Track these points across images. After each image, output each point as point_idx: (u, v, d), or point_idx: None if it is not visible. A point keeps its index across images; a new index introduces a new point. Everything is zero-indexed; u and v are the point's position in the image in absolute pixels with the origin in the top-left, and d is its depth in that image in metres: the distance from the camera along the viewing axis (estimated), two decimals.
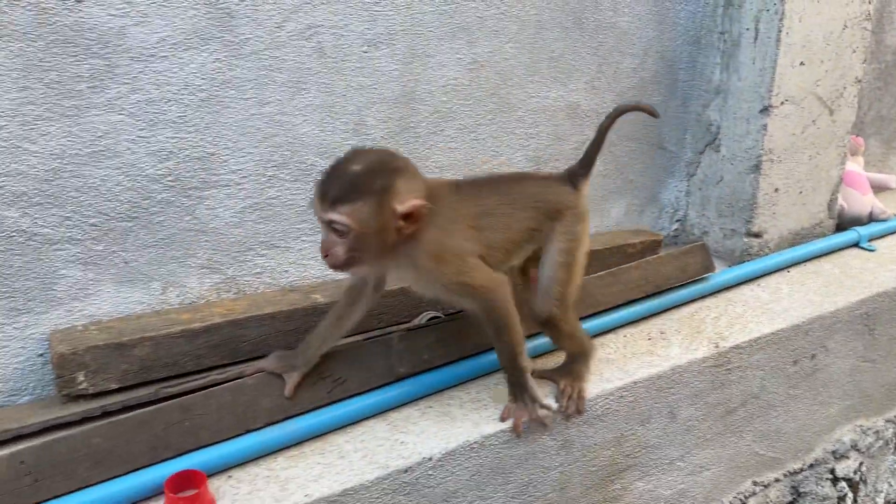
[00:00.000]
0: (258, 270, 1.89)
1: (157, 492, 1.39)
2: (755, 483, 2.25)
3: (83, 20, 1.52)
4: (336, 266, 1.48)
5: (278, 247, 1.90)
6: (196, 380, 1.69)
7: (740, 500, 2.23)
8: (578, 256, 1.70)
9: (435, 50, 1.98)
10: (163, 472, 1.40)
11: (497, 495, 1.68)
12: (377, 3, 1.86)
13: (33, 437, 1.51)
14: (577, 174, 1.76)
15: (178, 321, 1.72)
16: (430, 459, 1.56)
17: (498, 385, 1.77)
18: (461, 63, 2.04)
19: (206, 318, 1.75)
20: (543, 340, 1.86)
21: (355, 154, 1.48)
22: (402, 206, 1.44)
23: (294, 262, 1.94)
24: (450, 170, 2.11)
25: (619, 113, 1.80)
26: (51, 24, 1.49)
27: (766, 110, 2.37)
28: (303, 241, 1.93)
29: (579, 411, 1.72)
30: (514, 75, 2.15)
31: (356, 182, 1.42)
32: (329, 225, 1.44)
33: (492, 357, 1.82)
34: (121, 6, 1.55)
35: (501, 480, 1.68)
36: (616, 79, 2.37)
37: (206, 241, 1.79)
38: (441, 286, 1.55)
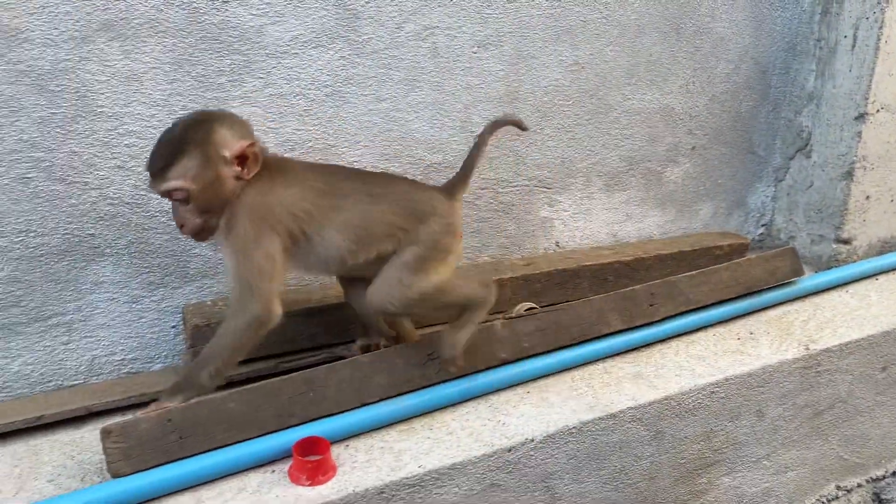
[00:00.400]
0: None
1: (284, 455, 1.50)
2: (838, 487, 2.27)
3: (228, 19, 1.65)
4: (195, 234, 1.46)
5: None
6: (310, 356, 1.81)
7: (822, 502, 2.25)
8: (431, 268, 1.57)
9: (539, 52, 2.06)
10: (289, 437, 1.51)
11: (591, 479, 1.76)
12: (488, 5, 1.95)
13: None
14: (455, 184, 1.68)
15: (297, 301, 1.84)
16: (532, 441, 1.64)
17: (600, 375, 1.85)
18: (563, 65, 2.12)
19: (322, 299, 1.86)
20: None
21: (172, 126, 1.43)
22: (229, 150, 1.41)
23: None
24: (547, 167, 2.19)
25: (495, 127, 1.72)
26: (200, 23, 1.62)
27: (861, 118, 2.38)
28: None
29: (459, 367, 1.65)
30: (612, 77, 2.21)
31: (176, 143, 1.39)
32: (170, 197, 1.42)
33: (589, 349, 1.90)
34: (261, 6, 1.67)
35: (595, 466, 1.75)
36: (710, 83, 2.41)
37: None
38: (231, 245, 1.46)
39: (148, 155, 1.42)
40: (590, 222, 2.34)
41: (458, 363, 1.64)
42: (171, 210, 1.48)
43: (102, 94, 1.57)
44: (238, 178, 1.44)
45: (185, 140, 1.39)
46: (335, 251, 1.53)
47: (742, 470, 2.03)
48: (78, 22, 1.50)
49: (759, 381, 1.95)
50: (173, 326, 1.78)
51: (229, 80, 1.69)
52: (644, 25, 2.21)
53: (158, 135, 1.43)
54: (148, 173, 1.42)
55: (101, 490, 1.35)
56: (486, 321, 1.86)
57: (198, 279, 1.79)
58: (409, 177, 1.97)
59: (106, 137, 1.59)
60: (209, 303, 1.80)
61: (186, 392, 1.48)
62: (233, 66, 1.68)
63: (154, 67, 1.60)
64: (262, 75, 1.72)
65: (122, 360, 1.75)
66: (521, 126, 1.74)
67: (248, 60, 1.69)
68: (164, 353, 1.79)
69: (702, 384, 1.86)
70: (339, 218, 1.51)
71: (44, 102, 1.52)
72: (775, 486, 2.12)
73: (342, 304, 1.84)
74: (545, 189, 2.21)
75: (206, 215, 1.44)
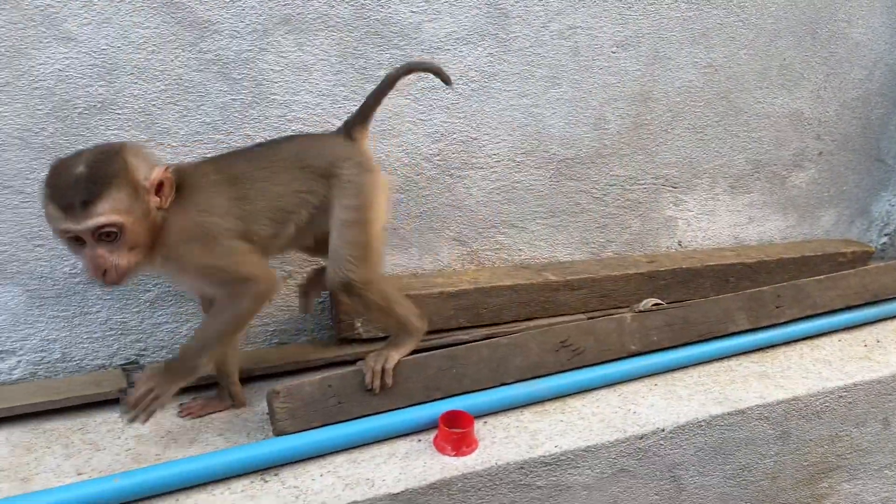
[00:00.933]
0: (497, 247, 2.09)
1: (429, 426, 1.60)
2: None
3: (390, 15, 1.75)
4: (121, 277, 1.31)
5: (517, 227, 2.08)
6: (445, 337, 1.90)
7: None
8: (370, 213, 1.50)
9: (675, 53, 2.10)
10: (433, 410, 1.61)
11: (715, 473, 1.79)
12: (629, 7, 2.00)
13: (318, 371, 1.77)
14: (354, 124, 1.58)
15: (434, 284, 1.94)
16: (663, 430, 1.69)
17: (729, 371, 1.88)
18: (697, 66, 2.15)
19: (457, 283, 1.96)
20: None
21: (67, 159, 1.28)
22: (149, 178, 1.31)
23: (528, 242, 2.12)
24: (675, 166, 2.23)
25: (409, 70, 1.61)
26: (365, 18, 1.73)
27: None
28: (538, 222, 2.10)
29: (383, 385, 1.58)
30: (744, 80, 2.23)
31: (95, 175, 1.24)
32: (95, 234, 1.25)
33: (716, 346, 1.93)
34: (420, 4, 1.77)
35: (721, 460, 1.78)
36: (842, 89, 2.39)
37: (460, 216, 2.00)
38: (194, 271, 1.39)
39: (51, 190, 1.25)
40: (713, 223, 2.36)
41: (386, 379, 1.58)
42: (80, 255, 1.30)
43: (276, 82, 1.70)
44: (158, 207, 1.34)
45: (104, 172, 1.25)
46: (264, 238, 1.47)
47: (863, 477, 2.02)
48: (261, 16, 1.64)
49: (888, 389, 1.94)
50: (321, 302, 1.90)
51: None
52: (780, 29, 2.22)
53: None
54: (56, 208, 1.24)
55: (270, 445, 1.47)
56: (615, 314, 1.92)
57: None
58: (543, 170, 2.06)
59: (276, 123, 1.72)
60: None
61: (180, 375, 1.43)
62: (392, 59, 1.79)
63: (322, 59, 1.72)
64: None
65: (274, 331, 1.88)
66: (442, 77, 1.61)
67: (406, 55, 1.80)
68: (311, 328, 1.92)
69: (830, 387, 1.87)
70: (250, 209, 1.43)
71: (226, 89, 1.66)
72: (895, 496, 2.10)
73: (477, 289, 1.93)
74: (671, 188, 2.25)
75: (132, 253, 1.30)
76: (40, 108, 1.52)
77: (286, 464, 1.49)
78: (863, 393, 1.91)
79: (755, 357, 1.98)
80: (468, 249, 2.05)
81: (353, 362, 1.79)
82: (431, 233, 1.98)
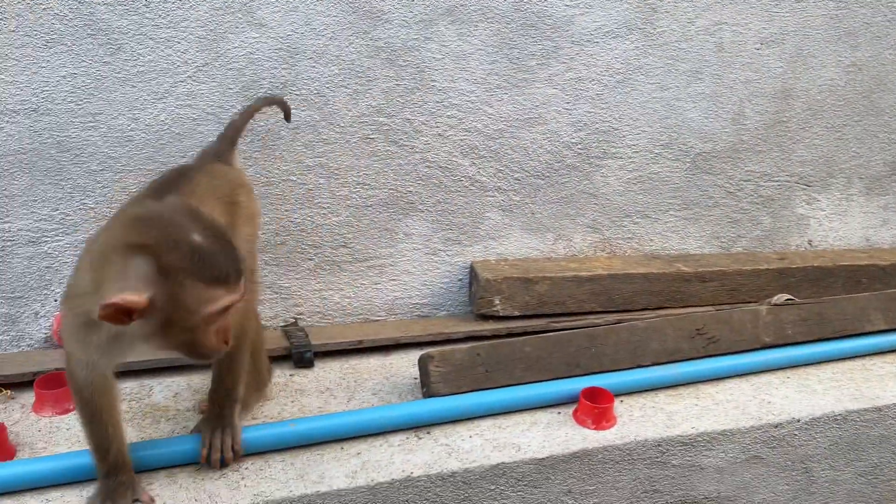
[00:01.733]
0: (629, 235, 2.14)
1: (569, 400, 1.67)
2: None
3: (545, 8, 1.84)
4: None
5: (650, 217, 2.14)
6: (577, 320, 1.98)
7: None
8: (257, 242, 1.54)
9: (819, 51, 2.11)
10: (573, 385, 1.69)
11: (847, 469, 1.80)
12: (776, 4, 2.02)
13: (457, 343, 1.88)
14: (224, 150, 1.52)
15: (568, 268, 2.01)
16: (798, 421, 1.71)
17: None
18: (840, 65, 2.15)
19: (590, 268, 2.02)
20: None
21: (182, 233, 1.08)
22: None
23: (660, 233, 2.17)
24: (810, 164, 2.23)
25: (265, 103, 1.63)
26: (522, 10, 1.83)
27: None
28: (671, 214, 2.15)
29: (225, 463, 1.41)
30: (888, 80, 2.21)
31: (223, 240, 1.12)
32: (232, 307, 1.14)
33: (851, 344, 1.94)
34: None
35: (853, 457, 1.79)
36: None
37: (595, 204, 2.07)
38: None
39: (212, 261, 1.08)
40: (845, 224, 2.35)
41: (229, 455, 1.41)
42: (214, 330, 1.14)
43: (436, 70, 1.81)
44: None
45: (224, 233, 1.14)
46: None
47: None
48: (428, 6, 1.75)
49: None
50: (460, 279, 2.01)
51: (538, 64, 1.88)
52: None
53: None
54: (217, 286, 1.08)
55: (426, 405, 1.59)
56: (750, 307, 1.94)
57: (485, 240, 2.00)
58: (679, 163, 2.10)
59: (434, 108, 1.83)
60: (493, 261, 2.02)
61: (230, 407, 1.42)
62: (543, 50, 1.87)
63: (480, 49, 1.83)
64: (566, 60, 1.90)
65: (417, 303, 2.00)
66: (286, 113, 1.64)
67: (557, 46, 1.88)
68: (450, 303, 2.03)
69: None
70: None
71: (391, 75, 1.78)
72: None
73: (610, 275, 1.99)
74: (805, 187, 2.25)
75: None
76: (231, 87, 1.68)
77: (437, 424, 1.60)
78: None
79: (890, 358, 1.97)
80: (601, 237, 2.12)
81: (490, 337, 1.90)
82: (567, 219, 2.06)
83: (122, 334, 1.12)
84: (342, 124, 1.78)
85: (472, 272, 1.98)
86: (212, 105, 1.68)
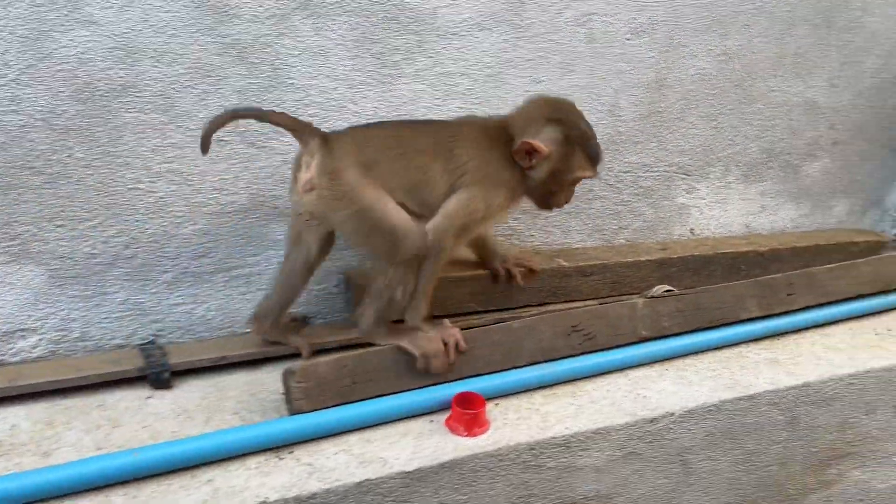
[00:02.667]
0: (509, 231, 2.10)
1: (442, 407, 1.62)
2: None
3: (406, 1, 1.77)
4: None
5: (529, 212, 2.09)
6: (459, 321, 1.92)
7: None
8: None
9: (690, 40, 2.11)
10: (446, 391, 1.63)
11: (725, 458, 1.81)
12: None
13: (331, 353, 1.79)
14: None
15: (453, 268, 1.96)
16: (673, 414, 1.70)
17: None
18: (711, 54, 2.15)
19: (466, 268, 1.97)
20: None
21: (581, 118, 1.68)
22: None
23: (540, 228, 2.14)
24: (688, 154, 2.24)
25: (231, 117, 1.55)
26: (382, 3, 1.75)
27: None
28: None
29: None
30: (758, 69, 2.23)
31: None
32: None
33: (727, 332, 1.95)
34: None
35: (730, 445, 1.80)
36: (857, 78, 2.39)
37: None
38: None
39: None
40: (725, 211, 2.37)
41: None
42: (569, 192, 1.73)
43: (294, 67, 1.72)
44: None
45: None
46: None
47: (873, 465, 2.03)
48: (280, 0, 1.65)
49: None
50: (336, 286, 1.93)
51: (403, 59, 1.81)
52: (795, 17, 2.22)
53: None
54: (600, 161, 1.67)
55: (286, 423, 1.50)
56: (627, 301, 1.93)
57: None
58: None
59: (293, 107, 1.74)
60: (368, 266, 1.94)
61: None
62: (407, 45, 1.80)
63: (339, 44, 1.74)
64: (432, 55, 1.83)
65: (291, 312, 1.90)
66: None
67: (422, 40, 1.81)
68: (326, 310, 1.94)
69: (840, 374, 1.87)
70: None
71: (244, 73, 1.68)
72: None
73: (488, 275, 1.95)
74: (685, 176, 2.26)
75: None
76: (62, 90, 1.55)
77: (301, 442, 1.51)
78: (873, 380, 1.92)
79: (766, 344, 2.00)
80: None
81: (367, 345, 1.82)
82: None
83: (516, 179, 1.64)
84: (192, 127, 1.66)
85: (348, 278, 1.90)
86: (41, 110, 1.54)
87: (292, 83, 1.73)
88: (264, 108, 1.59)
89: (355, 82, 1.78)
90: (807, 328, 2.07)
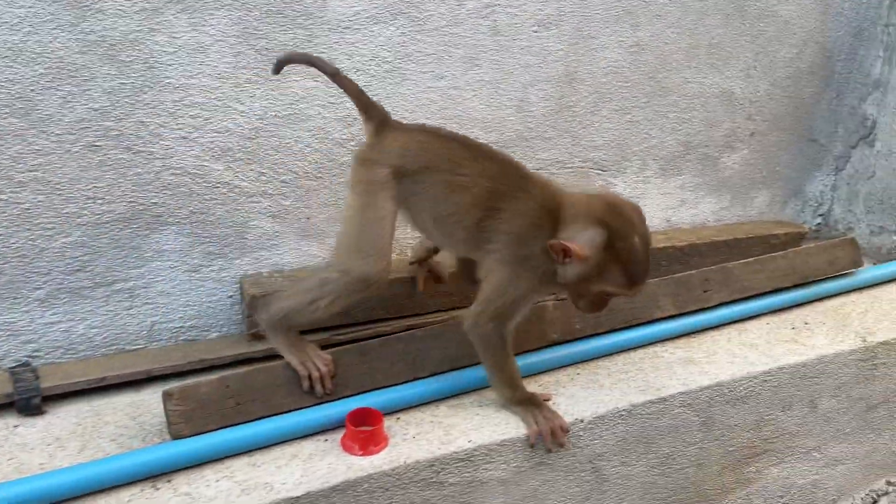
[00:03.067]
0: (418, 234, 2.01)
1: (338, 425, 1.53)
2: (889, 483, 2.23)
3: None
4: None
5: None
6: (364, 330, 1.84)
7: (872, 497, 2.21)
8: None
9: (599, 32, 2.04)
10: (342, 408, 1.54)
11: (639, 463, 1.75)
12: None
13: (224, 368, 1.70)
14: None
15: None
16: (582, 421, 1.64)
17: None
18: (623, 46, 2.09)
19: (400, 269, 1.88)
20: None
21: (644, 242, 1.47)
22: None
23: None
24: (603, 149, 2.18)
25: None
26: None
27: None
28: None
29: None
30: (672, 60, 2.18)
31: None
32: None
33: (641, 332, 1.89)
34: None
35: (644, 449, 1.74)
36: (772, 67, 2.36)
37: None
38: None
39: None
40: (644, 206, 2.26)
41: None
42: (602, 301, 1.54)
43: (170, 65, 1.60)
44: None
45: None
46: None
47: (791, 461, 2.00)
48: None
49: (814, 372, 1.92)
50: (230, 296, 1.82)
51: None
52: (707, 7, 2.17)
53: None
54: (641, 282, 1.47)
55: (162, 450, 1.39)
56: (540, 302, 1.86)
57: (255, 251, 1.82)
58: None
59: (172, 108, 1.62)
60: (265, 274, 1.84)
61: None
62: (296, 40, 1.70)
63: (220, 40, 1.63)
64: (324, 50, 1.73)
65: (181, 327, 1.79)
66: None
67: (311, 35, 1.71)
68: (221, 322, 1.83)
69: (754, 372, 1.84)
70: None
71: (114, 72, 1.55)
72: (824, 478, 2.09)
73: (397, 279, 1.86)
74: (600, 171, 2.20)
75: None
76: None
77: (180, 469, 1.41)
78: (788, 376, 1.88)
79: (681, 343, 1.95)
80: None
81: (262, 359, 1.73)
82: None
83: (549, 270, 1.48)
84: (58, 132, 1.54)
85: (241, 289, 1.80)
86: None
87: (169, 82, 1.61)
88: (339, 69, 1.59)
89: (240, 80, 1.67)
90: (724, 325, 2.03)
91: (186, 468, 1.41)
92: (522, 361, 1.73)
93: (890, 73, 2.40)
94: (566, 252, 1.41)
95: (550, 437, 1.58)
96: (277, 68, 1.56)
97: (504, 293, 1.51)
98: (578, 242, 1.41)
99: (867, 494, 2.21)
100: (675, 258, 2.23)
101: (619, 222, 1.43)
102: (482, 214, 1.51)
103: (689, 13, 2.15)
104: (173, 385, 1.46)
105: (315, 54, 1.60)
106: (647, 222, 1.48)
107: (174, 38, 1.58)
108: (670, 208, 2.38)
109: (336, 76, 1.57)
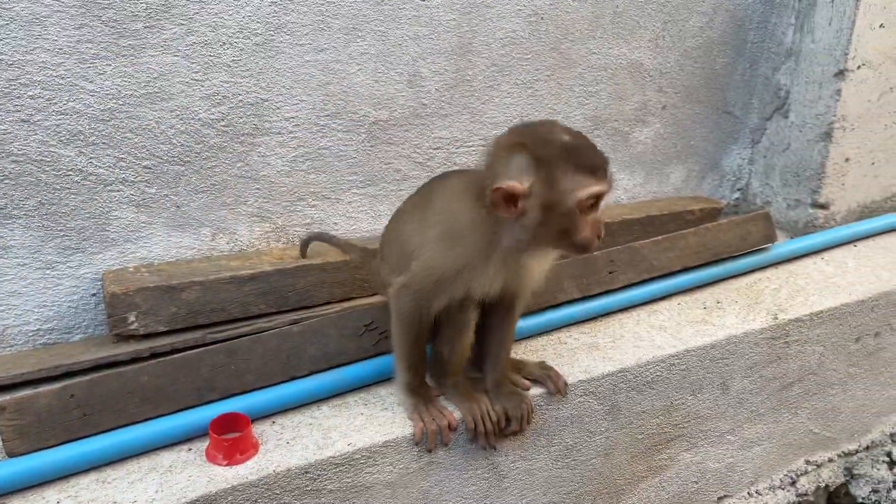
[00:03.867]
0: (308, 221, 1.88)
1: (202, 432, 1.39)
2: (808, 462, 2.18)
3: None
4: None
5: (329, 198, 1.88)
6: (242, 326, 1.70)
7: (791, 478, 2.16)
8: None
9: (495, 0, 1.92)
10: (208, 413, 1.40)
11: (540, 457, 1.65)
12: None
13: (85, 374, 1.54)
14: None
15: (227, 267, 1.72)
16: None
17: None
18: (521, 15, 1.97)
19: (255, 265, 1.75)
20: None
21: (555, 130, 1.30)
22: None
23: (345, 215, 1.92)
24: (504, 125, 2.05)
25: None
26: None
27: (840, 74, 2.24)
28: (353, 193, 1.90)
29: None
30: (575, 30, 2.07)
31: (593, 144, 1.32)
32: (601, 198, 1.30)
33: (542, 318, 1.79)
34: None
35: (545, 442, 1.65)
36: (681, 38, 2.27)
37: (257, 188, 1.78)
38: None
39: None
40: None
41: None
42: (588, 220, 1.29)
43: (1, 40, 1.43)
44: None
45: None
46: None
47: (704, 445, 1.93)
48: None
49: (724, 353, 1.85)
50: (93, 294, 1.66)
51: (146, 27, 1.54)
52: None
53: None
54: (601, 167, 1.27)
55: None
56: None
57: (119, 244, 1.66)
58: (353, 134, 1.85)
59: (7, 88, 1.46)
60: (132, 269, 1.68)
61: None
62: (149, 10, 1.54)
63: (57, 11, 1.46)
64: (183, 21, 1.57)
65: (38, 330, 1.63)
66: None
67: (168, 4, 1.55)
68: (84, 323, 1.68)
69: (661, 356, 1.75)
70: None
71: None
72: (740, 461, 2.02)
73: (279, 270, 1.73)
74: None
75: None
76: None
77: (16, 491, 1.26)
78: (697, 359, 1.81)
79: (587, 327, 1.85)
80: (273, 226, 1.84)
81: (128, 361, 1.58)
82: (225, 209, 1.76)
83: (496, 240, 1.32)
84: None
85: (103, 285, 1.64)
86: None
87: (2, 59, 1.44)
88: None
89: (86, 56, 1.51)
90: (632, 307, 1.94)
91: (23, 489, 1.27)
92: None
93: (802, 42, 2.34)
94: (508, 197, 1.25)
95: (437, 435, 1.47)
96: (303, 251, 1.80)
97: (428, 267, 1.38)
98: (508, 180, 1.24)
99: (786, 475, 2.15)
100: None
101: (530, 134, 1.29)
102: (420, 217, 1.47)
103: None
104: (7, 398, 1.30)
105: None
106: (566, 126, 1.31)
107: (4, 8, 1.41)
108: None
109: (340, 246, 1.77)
